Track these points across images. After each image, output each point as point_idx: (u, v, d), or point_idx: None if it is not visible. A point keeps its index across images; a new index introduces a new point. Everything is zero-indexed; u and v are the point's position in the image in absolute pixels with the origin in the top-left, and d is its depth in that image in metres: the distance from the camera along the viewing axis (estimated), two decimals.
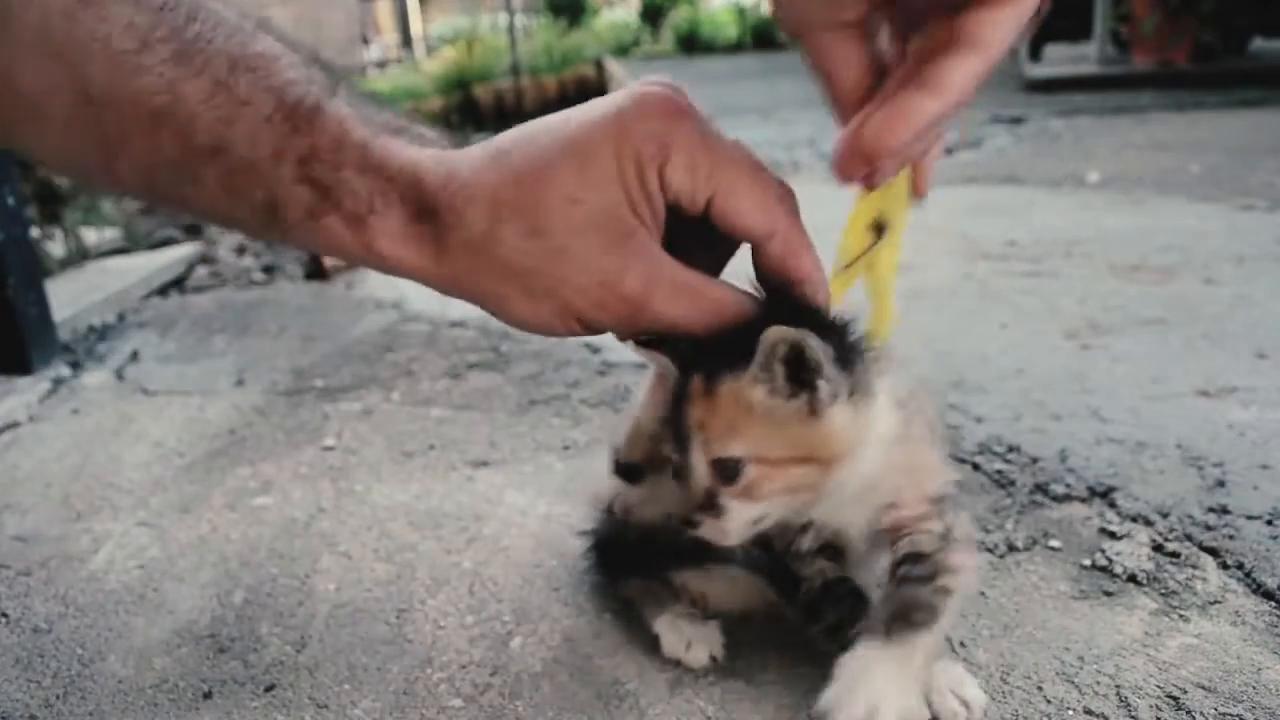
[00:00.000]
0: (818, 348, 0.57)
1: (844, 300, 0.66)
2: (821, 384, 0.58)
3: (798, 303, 0.59)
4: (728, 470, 0.60)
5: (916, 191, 0.65)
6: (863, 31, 0.57)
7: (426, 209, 0.58)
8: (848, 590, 0.71)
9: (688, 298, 0.59)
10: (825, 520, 0.69)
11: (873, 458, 0.64)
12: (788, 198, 0.61)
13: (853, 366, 0.61)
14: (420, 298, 2.03)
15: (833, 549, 0.71)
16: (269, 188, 0.57)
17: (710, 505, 0.61)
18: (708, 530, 0.61)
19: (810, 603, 0.71)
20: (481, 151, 0.60)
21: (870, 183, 0.60)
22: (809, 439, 0.59)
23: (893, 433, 0.65)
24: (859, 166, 0.57)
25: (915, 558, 0.66)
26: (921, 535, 0.66)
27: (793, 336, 0.56)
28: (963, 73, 0.54)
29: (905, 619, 0.64)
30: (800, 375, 0.58)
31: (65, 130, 0.57)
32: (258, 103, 0.56)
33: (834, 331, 0.61)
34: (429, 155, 0.59)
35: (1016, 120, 4.18)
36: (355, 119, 0.59)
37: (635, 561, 0.84)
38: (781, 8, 0.57)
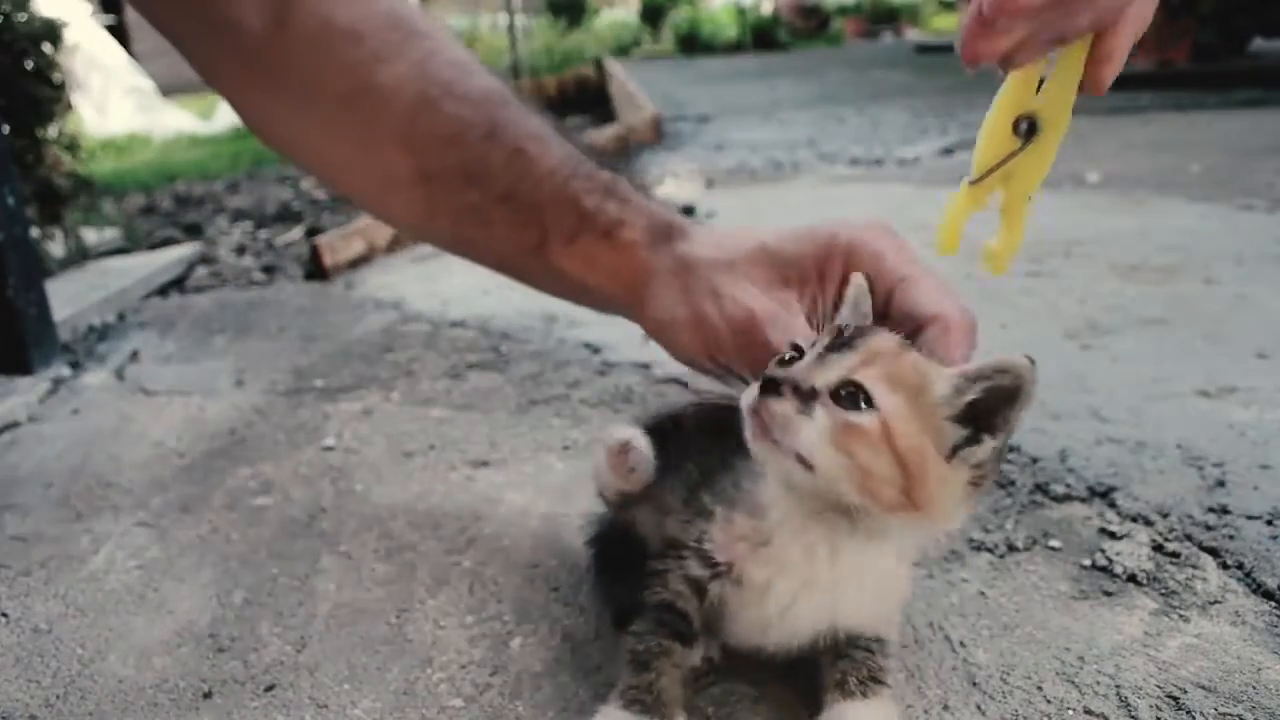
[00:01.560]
0: (1019, 417, 0.54)
1: (967, 221, 0.58)
2: (989, 442, 0.55)
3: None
4: (855, 397, 0.54)
5: (1093, 83, 0.54)
6: None
7: (665, 229, 0.78)
8: (676, 630, 0.67)
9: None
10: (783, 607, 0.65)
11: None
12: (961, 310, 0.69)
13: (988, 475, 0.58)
14: (420, 298, 2.03)
15: (701, 588, 0.66)
16: (543, 225, 0.77)
17: (807, 396, 0.54)
18: (772, 407, 0.54)
19: (642, 606, 0.69)
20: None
21: (1011, 62, 0.50)
22: (926, 462, 0.55)
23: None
24: (985, 41, 0.51)
25: (874, 639, 0.68)
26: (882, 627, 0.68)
27: (1030, 382, 0.53)
28: None
29: (875, 679, 0.67)
30: (979, 416, 0.55)
31: (407, 197, 0.81)
32: (543, 163, 0.77)
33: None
34: (674, 210, 0.81)
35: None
36: (622, 180, 0.80)
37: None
38: None
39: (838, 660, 0.68)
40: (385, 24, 0.80)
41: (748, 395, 0.56)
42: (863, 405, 0.54)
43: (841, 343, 0.57)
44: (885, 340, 0.58)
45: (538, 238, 0.78)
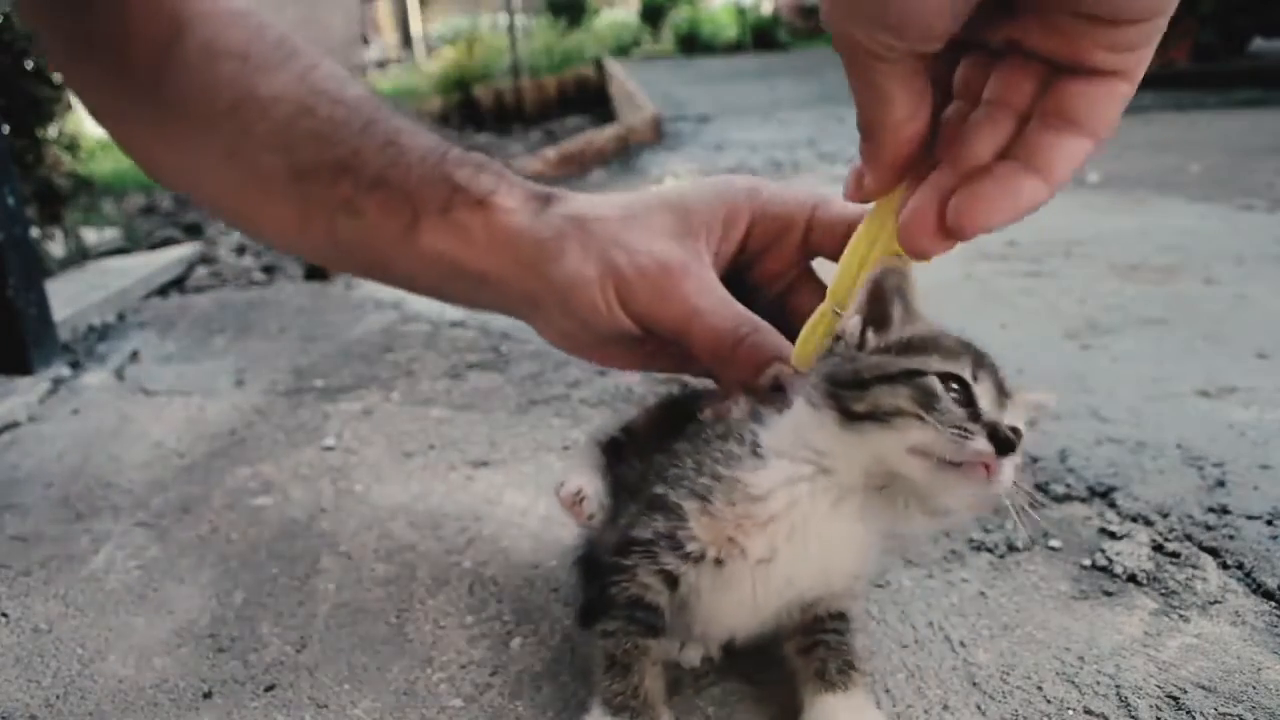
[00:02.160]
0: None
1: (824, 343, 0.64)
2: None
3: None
4: (1016, 438, 0.58)
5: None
6: (931, 67, 0.51)
7: (541, 196, 0.76)
8: (649, 625, 0.67)
9: (725, 307, 0.70)
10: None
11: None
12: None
13: None
14: (420, 298, 2.03)
15: (673, 580, 0.67)
16: (414, 204, 0.75)
17: (1007, 448, 0.58)
18: (1013, 463, 0.58)
19: (609, 601, 0.68)
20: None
21: (926, 255, 0.55)
22: None
23: None
24: (942, 244, 0.53)
25: (839, 615, 0.70)
26: (846, 599, 0.70)
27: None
28: (1074, 159, 0.50)
29: (852, 666, 0.69)
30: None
31: (281, 202, 0.80)
32: (415, 150, 0.77)
33: None
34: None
35: None
36: (495, 160, 0.78)
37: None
38: (846, 25, 0.49)
39: (812, 648, 0.69)
40: (271, 44, 0.82)
41: (978, 444, 0.57)
42: (1019, 444, 0.59)
43: (1000, 385, 0.61)
44: (1022, 392, 0.63)
45: (410, 217, 0.76)
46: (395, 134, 0.78)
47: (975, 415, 0.59)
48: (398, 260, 0.79)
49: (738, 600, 0.67)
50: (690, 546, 0.65)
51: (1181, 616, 0.82)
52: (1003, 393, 0.61)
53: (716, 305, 0.69)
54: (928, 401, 0.58)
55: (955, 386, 0.59)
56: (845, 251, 0.63)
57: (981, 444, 0.57)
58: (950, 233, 0.52)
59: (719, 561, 0.65)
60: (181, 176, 0.88)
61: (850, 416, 0.61)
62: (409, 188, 0.76)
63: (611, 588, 0.67)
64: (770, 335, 0.68)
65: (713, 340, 0.68)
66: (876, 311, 0.64)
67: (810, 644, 0.69)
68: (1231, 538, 0.93)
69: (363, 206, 0.77)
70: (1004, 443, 0.57)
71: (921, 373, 0.59)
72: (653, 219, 0.72)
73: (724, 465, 0.65)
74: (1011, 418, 0.60)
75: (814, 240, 0.75)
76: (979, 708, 0.72)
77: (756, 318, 0.69)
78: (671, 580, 0.67)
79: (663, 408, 0.82)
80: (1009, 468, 0.58)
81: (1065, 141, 0.49)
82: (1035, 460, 1.12)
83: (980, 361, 0.61)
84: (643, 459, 0.74)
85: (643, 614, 0.66)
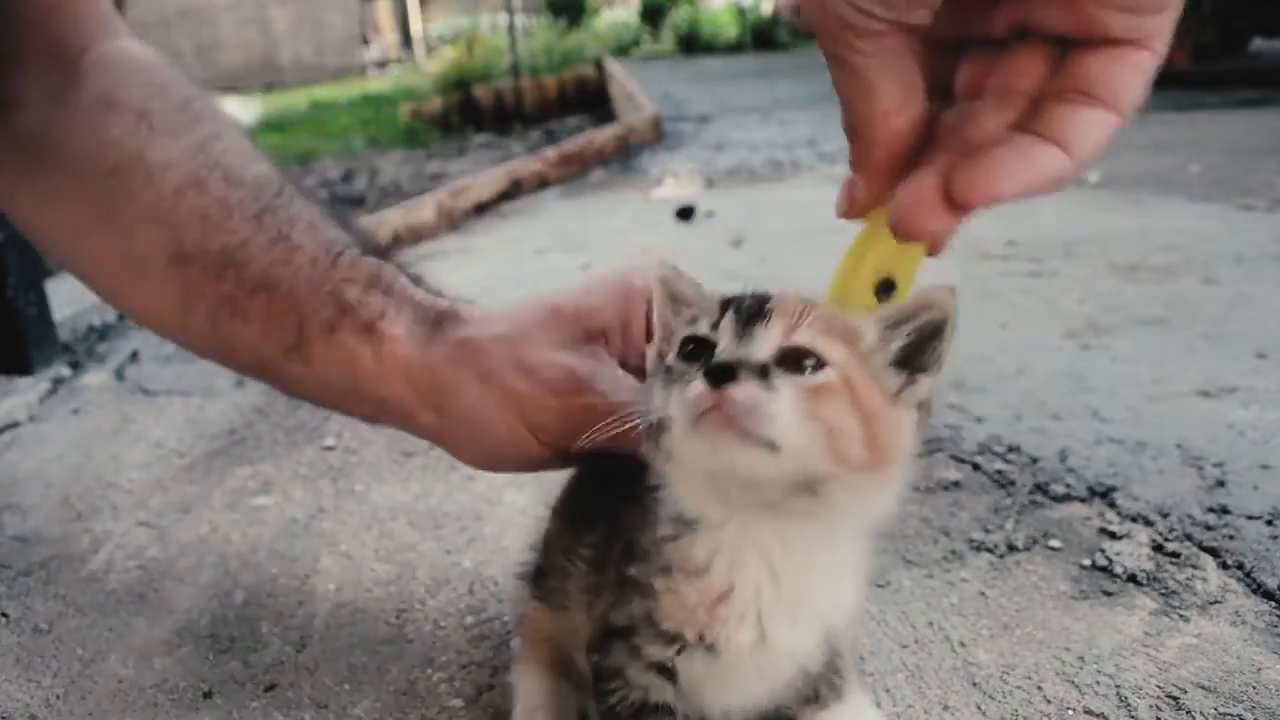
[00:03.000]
0: (947, 349, 0.52)
1: None
2: (925, 380, 0.53)
3: None
4: (806, 358, 0.50)
5: (933, 248, 0.55)
6: (916, 48, 0.47)
7: (434, 317, 0.71)
8: None
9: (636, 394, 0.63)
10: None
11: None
12: None
13: (924, 415, 0.55)
14: None
15: (668, 671, 0.58)
16: (300, 316, 0.70)
17: (763, 373, 0.49)
18: (745, 391, 0.47)
19: (614, 717, 0.60)
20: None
21: (929, 234, 0.50)
22: (880, 412, 0.51)
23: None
24: (945, 218, 0.48)
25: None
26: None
27: (953, 312, 0.51)
28: (1099, 132, 0.45)
29: (838, 674, 0.65)
30: (908, 358, 0.53)
31: (160, 284, 0.73)
32: (307, 249, 0.72)
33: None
34: (449, 298, 0.74)
35: None
36: (390, 268, 0.73)
37: None
38: (833, 17, 0.45)
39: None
40: (175, 105, 0.76)
41: (692, 392, 0.48)
42: (818, 364, 0.50)
43: (750, 310, 0.52)
44: (793, 298, 0.53)
45: (295, 335, 0.71)
46: (289, 226, 0.72)
47: (699, 364, 0.50)
48: (286, 372, 0.74)
49: (740, 683, 0.59)
50: (665, 626, 0.56)
51: (1181, 616, 0.82)
52: (754, 320, 0.51)
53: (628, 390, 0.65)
54: (669, 378, 0.52)
55: (690, 347, 0.53)
56: (843, 273, 0.58)
57: (689, 398, 0.48)
58: (956, 204, 0.47)
59: (709, 647, 0.56)
60: (55, 237, 0.81)
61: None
62: (295, 297, 0.70)
63: (610, 698, 0.60)
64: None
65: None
66: (662, 330, 0.59)
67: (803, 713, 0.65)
68: (1231, 538, 0.93)
69: (247, 309, 0.71)
70: (715, 372, 0.48)
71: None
72: (547, 331, 0.68)
73: (671, 537, 0.57)
74: (765, 340, 0.50)
75: None
76: (979, 708, 0.72)
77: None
78: (668, 672, 0.58)
79: (573, 491, 0.73)
80: (745, 391, 0.47)
81: (1085, 114, 0.45)
82: (1035, 460, 1.12)
83: (732, 304, 0.53)
84: (575, 550, 0.66)
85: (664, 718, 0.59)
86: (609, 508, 0.63)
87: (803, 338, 0.50)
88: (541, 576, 0.72)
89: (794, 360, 0.50)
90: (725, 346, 0.51)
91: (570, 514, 0.69)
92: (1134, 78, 0.44)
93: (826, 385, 0.49)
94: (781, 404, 0.48)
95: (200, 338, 0.77)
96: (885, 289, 0.56)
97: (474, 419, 0.68)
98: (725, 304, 0.54)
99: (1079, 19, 0.44)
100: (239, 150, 0.76)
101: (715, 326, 0.53)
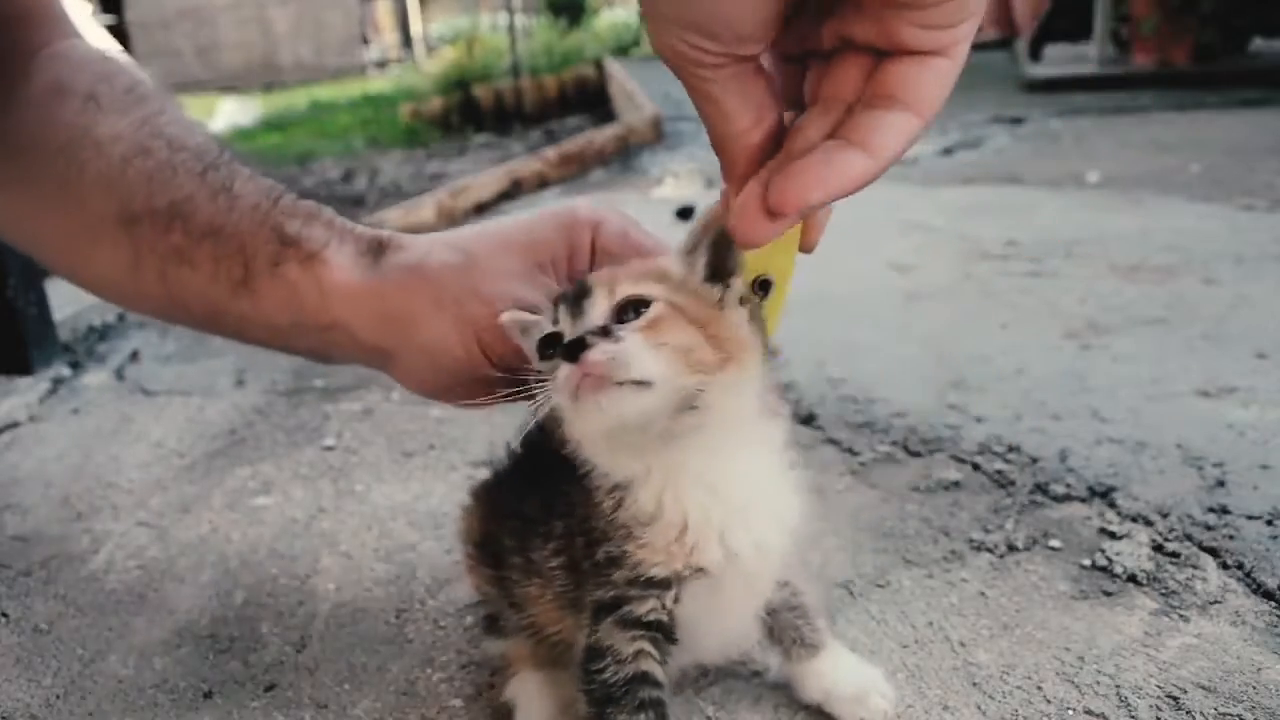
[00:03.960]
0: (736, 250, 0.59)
1: None
2: (736, 281, 0.60)
3: None
4: (631, 308, 0.58)
5: (805, 244, 0.61)
6: (762, 69, 0.52)
7: (376, 246, 0.75)
8: (651, 700, 0.63)
9: None
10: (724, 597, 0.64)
11: (769, 474, 0.64)
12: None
13: (752, 306, 0.62)
14: None
15: (664, 630, 0.64)
16: (246, 255, 0.74)
17: (606, 333, 0.56)
18: (599, 351, 0.54)
19: (604, 694, 0.64)
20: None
21: (756, 241, 0.55)
22: (714, 317, 0.59)
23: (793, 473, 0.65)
24: (767, 226, 0.52)
25: (785, 586, 0.71)
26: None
27: (720, 216, 0.58)
28: (899, 134, 0.50)
29: (818, 625, 0.73)
30: (715, 272, 0.60)
31: (111, 248, 0.77)
32: (249, 197, 0.76)
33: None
34: (385, 230, 0.78)
35: (1016, 120, 4.18)
36: (328, 209, 0.77)
37: None
38: (663, 33, 0.49)
39: (783, 626, 0.72)
40: (120, 89, 0.80)
41: (561, 374, 0.56)
42: (644, 305, 0.58)
43: (576, 295, 0.61)
44: (606, 269, 0.63)
45: (241, 272, 0.74)
46: (231, 180, 0.76)
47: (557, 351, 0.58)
48: (234, 313, 0.77)
49: (730, 602, 0.66)
50: (655, 573, 0.62)
51: (1181, 616, 0.82)
52: (581, 299, 0.60)
53: None
54: (542, 378, 0.58)
55: (548, 349, 0.61)
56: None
57: (561, 380, 0.56)
58: (772, 212, 0.51)
59: (696, 573, 0.62)
60: (10, 220, 0.85)
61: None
62: (240, 238, 0.74)
63: (599, 676, 0.63)
64: None
65: None
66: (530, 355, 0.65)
67: (781, 623, 0.72)
68: (1231, 538, 0.93)
69: (195, 256, 0.75)
70: (569, 349, 0.55)
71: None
72: (498, 260, 0.71)
73: (611, 506, 0.62)
74: (596, 308, 0.59)
75: None
76: (979, 708, 0.72)
77: None
78: (654, 636, 0.64)
79: (490, 488, 0.80)
80: (599, 351, 0.55)
81: (887, 116, 0.49)
82: (1035, 460, 1.12)
83: (563, 298, 0.61)
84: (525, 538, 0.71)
85: (648, 691, 0.63)
86: (553, 514, 0.68)
87: (622, 291, 0.59)
88: (497, 619, 0.78)
89: (625, 311, 0.58)
90: (569, 329, 0.59)
91: (522, 542, 0.72)
92: (932, 82, 0.49)
93: (658, 316, 0.57)
94: (631, 345, 0.56)
95: (151, 296, 0.80)
96: (762, 286, 0.63)
97: (432, 345, 0.71)
98: (557, 301, 0.62)
99: (884, 32, 0.49)
100: (182, 123, 0.80)
101: (556, 321, 0.61)
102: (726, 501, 0.62)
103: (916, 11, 0.47)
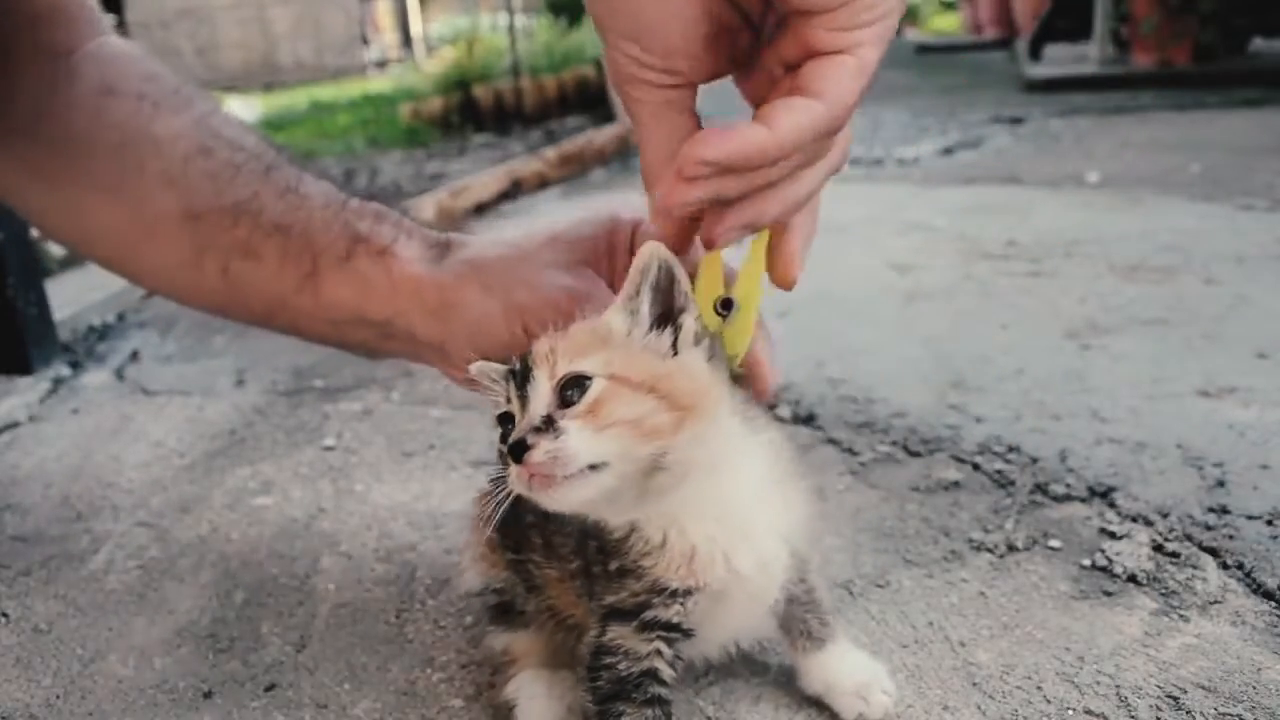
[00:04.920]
0: (686, 284, 0.59)
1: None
2: (686, 320, 0.59)
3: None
4: (573, 386, 0.56)
5: (780, 278, 0.61)
6: (693, 112, 0.57)
7: (440, 243, 0.78)
8: (658, 697, 0.64)
9: None
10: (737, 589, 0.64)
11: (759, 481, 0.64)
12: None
13: (711, 340, 0.61)
14: None
15: (679, 630, 0.64)
16: (315, 250, 0.76)
17: (548, 427, 0.56)
18: (539, 453, 0.54)
19: (612, 689, 0.64)
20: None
21: (712, 244, 0.57)
22: (665, 374, 0.57)
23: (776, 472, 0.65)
24: (683, 188, 0.54)
25: (802, 582, 0.71)
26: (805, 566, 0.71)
27: (666, 256, 0.58)
28: (800, 114, 0.52)
29: (828, 619, 0.73)
30: (664, 313, 0.60)
31: (171, 242, 0.79)
32: (316, 198, 0.78)
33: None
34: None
35: (1016, 120, 4.18)
36: (393, 211, 0.80)
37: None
38: (608, 48, 0.55)
39: (793, 617, 0.72)
40: (168, 89, 0.82)
41: (512, 475, 0.56)
42: (585, 384, 0.57)
43: (521, 374, 0.60)
44: (544, 341, 0.61)
45: (309, 265, 0.77)
46: (296, 181, 0.79)
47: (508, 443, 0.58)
48: (296, 307, 0.79)
49: (739, 610, 0.66)
50: (673, 585, 0.62)
51: (1181, 616, 0.82)
52: (525, 381, 0.59)
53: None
54: (513, 452, 0.57)
55: (502, 426, 0.61)
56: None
57: (513, 476, 0.56)
58: (681, 175, 0.53)
59: (703, 590, 0.63)
60: (58, 217, 0.86)
61: None
62: (310, 234, 0.76)
63: (607, 672, 0.64)
64: None
65: None
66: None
67: (790, 615, 0.72)
68: (1231, 538, 0.93)
69: (261, 250, 0.77)
70: (513, 451, 0.55)
71: None
72: (545, 254, 0.75)
73: (625, 552, 0.63)
74: (537, 395, 0.57)
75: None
76: (979, 708, 0.72)
77: None
78: (668, 636, 0.64)
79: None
80: (539, 453, 0.54)
81: (791, 100, 0.53)
82: (1035, 460, 1.12)
83: (510, 375, 0.61)
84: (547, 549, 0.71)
85: (655, 689, 0.64)
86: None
87: (561, 369, 0.57)
88: (508, 608, 0.78)
89: (569, 392, 0.57)
90: (517, 418, 0.58)
91: (544, 524, 0.72)
92: (839, 77, 0.53)
93: (599, 397, 0.56)
94: (572, 439, 0.55)
95: (209, 290, 0.82)
96: (725, 306, 0.63)
97: (478, 326, 0.73)
98: (507, 377, 0.61)
99: (801, 42, 0.53)
100: (233, 123, 0.83)
101: (508, 399, 0.60)
102: (728, 526, 0.62)
103: (823, 15, 0.51)
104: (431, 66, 6.72)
